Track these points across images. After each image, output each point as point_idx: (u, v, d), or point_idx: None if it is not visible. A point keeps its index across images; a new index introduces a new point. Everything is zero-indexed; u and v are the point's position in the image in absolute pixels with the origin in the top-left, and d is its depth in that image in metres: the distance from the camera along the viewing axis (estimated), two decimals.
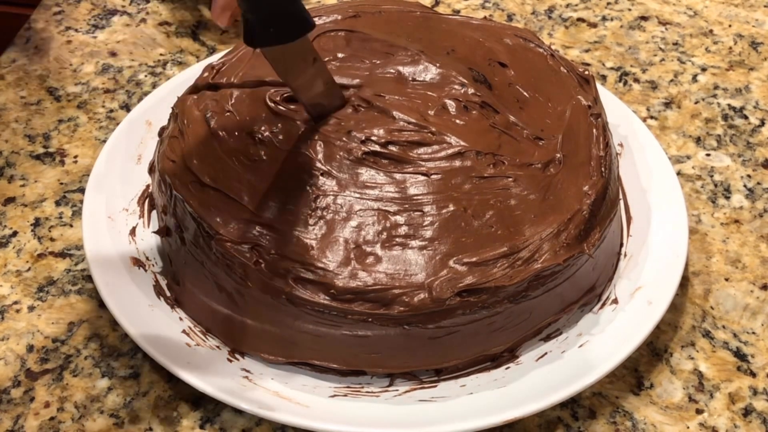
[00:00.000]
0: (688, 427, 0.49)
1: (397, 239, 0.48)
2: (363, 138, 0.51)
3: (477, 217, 0.48)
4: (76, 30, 0.75)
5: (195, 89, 0.57)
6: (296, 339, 0.48)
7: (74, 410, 0.49)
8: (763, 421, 0.49)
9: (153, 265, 0.54)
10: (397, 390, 0.48)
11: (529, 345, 0.50)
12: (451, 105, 0.53)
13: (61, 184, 0.62)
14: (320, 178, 0.50)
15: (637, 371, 0.51)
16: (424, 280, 0.46)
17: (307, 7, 0.48)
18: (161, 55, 0.73)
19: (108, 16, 0.77)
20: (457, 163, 0.51)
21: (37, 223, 0.59)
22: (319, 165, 0.50)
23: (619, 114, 0.62)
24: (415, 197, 0.49)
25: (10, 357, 0.51)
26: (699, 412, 0.50)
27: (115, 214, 0.56)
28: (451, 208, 0.49)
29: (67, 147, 0.64)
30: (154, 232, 0.55)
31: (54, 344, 0.52)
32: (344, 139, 0.51)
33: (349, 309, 0.46)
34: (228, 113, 0.53)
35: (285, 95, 0.54)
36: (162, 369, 0.49)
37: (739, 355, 0.53)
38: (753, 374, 0.52)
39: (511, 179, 0.50)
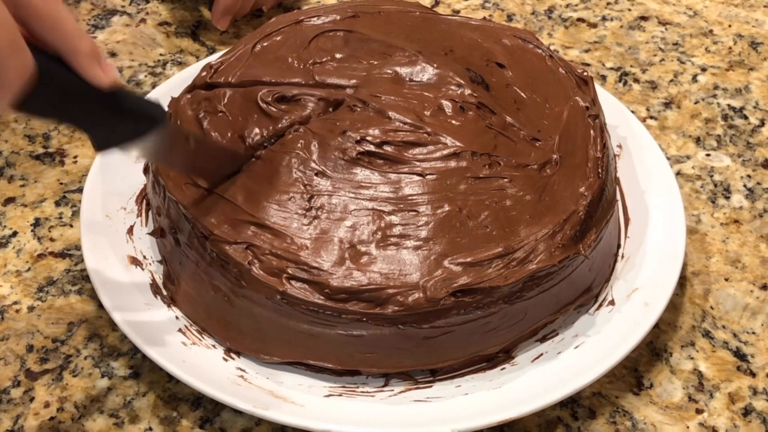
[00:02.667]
0: (688, 427, 0.49)
1: (391, 239, 0.47)
2: (358, 138, 0.51)
3: (472, 218, 0.48)
4: None
5: (192, 88, 0.57)
6: (291, 338, 0.48)
7: (74, 410, 0.49)
8: (763, 421, 0.49)
9: (150, 264, 0.54)
10: (392, 390, 0.48)
11: (524, 346, 0.50)
12: (447, 105, 0.53)
13: (61, 184, 0.62)
14: (315, 177, 0.50)
15: (636, 371, 0.51)
16: (419, 280, 0.46)
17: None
18: (161, 55, 0.73)
19: (108, 16, 0.77)
20: (453, 163, 0.50)
21: (37, 223, 0.59)
22: (313, 165, 0.50)
23: (618, 115, 0.62)
24: (410, 197, 0.49)
25: (10, 357, 0.51)
26: (699, 412, 0.50)
27: (112, 213, 0.56)
28: (446, 208, 0.49)
29: (67, 147, 0.65)
30: (149, 234, 0.55)
31: (54, 344, 0.52)
32: (339, 138, 0.51)
33: (343, 309, 0.46)
34: (220, 114, 0.53)
35: (276, 95, 0.54)
36: (162, 369, 0.49)
37: (739, 355, 0.52)
38: (753, 374, 0.51)
39: (506, 180, 0.50)
